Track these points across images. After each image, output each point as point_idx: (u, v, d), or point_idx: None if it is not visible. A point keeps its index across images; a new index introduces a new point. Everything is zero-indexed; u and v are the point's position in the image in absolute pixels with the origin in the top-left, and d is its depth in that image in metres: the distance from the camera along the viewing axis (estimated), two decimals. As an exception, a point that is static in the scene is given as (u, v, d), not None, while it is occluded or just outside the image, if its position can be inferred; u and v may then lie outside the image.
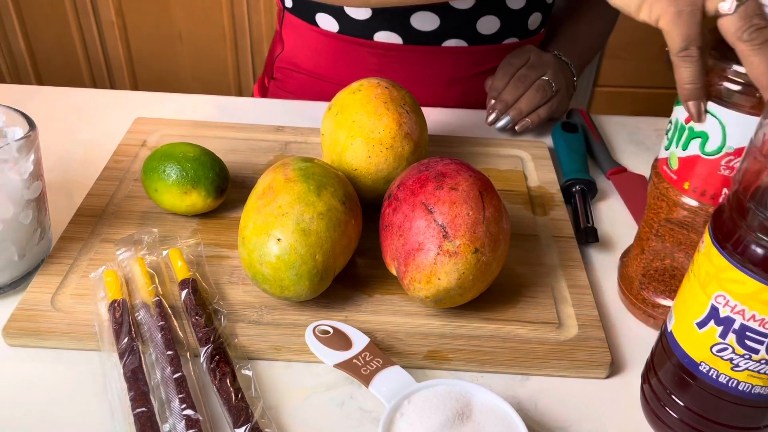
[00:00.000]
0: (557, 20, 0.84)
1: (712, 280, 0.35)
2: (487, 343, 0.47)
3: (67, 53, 1.82)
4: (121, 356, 0.43)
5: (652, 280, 0.49)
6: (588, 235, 0.56)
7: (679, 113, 0.43)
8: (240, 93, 1.90)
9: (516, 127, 0.68)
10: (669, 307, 0.48)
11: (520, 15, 0.75)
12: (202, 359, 0.43)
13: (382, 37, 0.74)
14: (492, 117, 0.69)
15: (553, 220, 0.58)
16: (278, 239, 0.45)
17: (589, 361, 0.46)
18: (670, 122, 0.45)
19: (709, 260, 0.35)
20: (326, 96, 0.77)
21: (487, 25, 0.74)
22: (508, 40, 0.76)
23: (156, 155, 0.54)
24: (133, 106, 0.72)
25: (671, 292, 0.48)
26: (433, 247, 0.44)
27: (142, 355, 0.43)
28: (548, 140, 0.70)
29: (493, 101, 0.70)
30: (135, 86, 1.89)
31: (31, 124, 0.47)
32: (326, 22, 0.75)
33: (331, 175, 0.49)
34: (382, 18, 0.72)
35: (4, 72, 1.87)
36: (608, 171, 0.65)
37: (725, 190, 0.42)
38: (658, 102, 1.87)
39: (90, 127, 0.69)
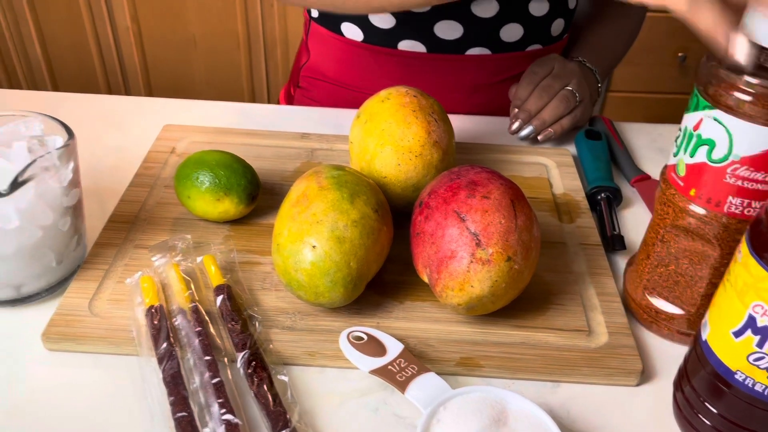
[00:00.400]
0: (581, 26, 0.85)
1: (750, 289, 0.36)
2: (518, 350, 0.47)
3: (82, 58, 1.84)
4: (159, 361, 0.44)
5: (657, 285, 0.49)
6: (615, 242, 0.57)
7: (688, 120, 0.43)
8: (253, 98, 1.91)
9: (539, 137, 0.69)
10: (673, 313, 0.48)
11: (543, 21, 0.75)
12: (239, 364, 0.44)
13: (406, 45, 0.74)
14: (515, 126, 0.69)
15: (579, 228, 0.58)
16: (313, 246, 0.46)
17: (620, 368, 0.46)
18: (680, 129, 0.45)
19: (746, 270, 0.36)
20: (351, 104, 0.78)
21: (511, 32, 0.74)
22: (531, 47, 0.77)
23: (189, 162, 0.55)
24: (159, 113, 0.73)
25: (675, 299, 0.48)
26: (466, 255, 0.45)
27: (180, 360, 0.44)
28: (572, 148, 0.71)
29: (516, 110, 0.70)
30: (149, 91, 1.90)
31: (70, 133, 0.48)
32: (351, 32, 0.76)
33: (363, 183, 0.50)
34: (406, 27, 0.73)
35: (20, 77, 1.89)
36: (632, 178, 0.66)
37: (730, 197, 0.42)
38: (671, 107, 1.87)
39: (118, 133, 0.70)
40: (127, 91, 1.91)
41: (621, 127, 0.76)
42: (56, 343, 0.46)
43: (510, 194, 0.47)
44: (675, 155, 0.45)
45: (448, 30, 0.73)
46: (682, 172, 0.44)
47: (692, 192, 0.44)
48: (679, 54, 1.76)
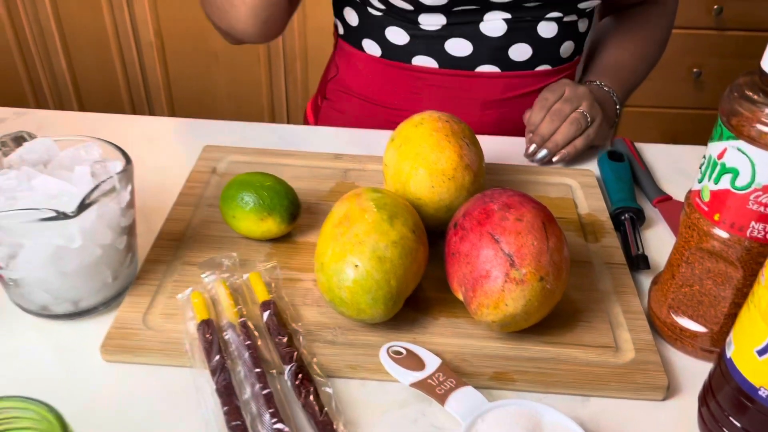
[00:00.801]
0: (601, 47, 0.87)
1: (773, 311, 0.38)
2: (549, 366, 0.49)
3: (106, 74, 1.88)
4: (213, 373, 0.47)
5: (681, 304, 0.51)
6: (640, 262, 0.59)
7: (712, 149, 0.46)
8: (273, 113, 1.95)
9: (553, 159, 0.72)
10: (696, 331, 0.50)
11: (551, 43, 0.79)
12: (286, 377, 0.47)
13: (420, 61, 0.79)
14: (530, 150, 0.73)
15: (604, 247, 0.61)
16: (356, 266, 0.48)
17: (646, 383, 0.48)
18: (704, 157, 0.47)
19: (770, 293, 0.38)
20: (373, 115, 0.84)
21: (519, 52, 0.78)
22: (540, 68, 0.80)
23: (234, 184, 0.58)
24: (196, 134, 0.77)
25: (698, 317, 0.51)
26: (500, 274, 0.48)
27: (231, 372, 0.47)
28: (595, 168, 0.73)
29: (530, 135, 0.74)
30: (171, 106, 1.94)
31: (127, 157, 0.52)
32: (371, 48, 0.81)
33: (400, 205, 0.53)
34: (419, 44, 0.78)
35: (47, 92, 1.94)
36: (654, 199, 0.68)
37: (753, 222, 0.44)
38: (684, 123, 1.89)
39: (160, 154, 0.74)
40: (150, 106, 1.95)
41: (642, 148, 0.78)
42: (113, 355, 0.49)
43: (541, 216, 0.50)
44: (700, 181, 0.48)
45: (458, 47, 0.77)
46: (706, 197, 0.47)
47: (716, 217, 0.46)
48: (694, 70, 1.78)
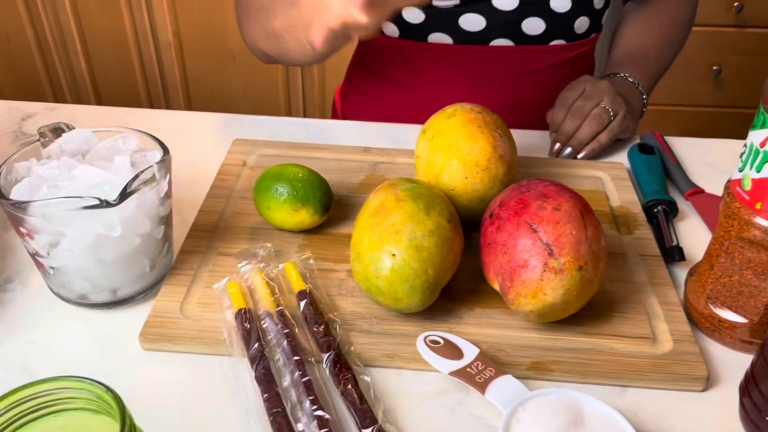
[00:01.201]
0: (623, 34, 0.87)
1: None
2: (586, 356, 0.49)
3: (125, 72, 1.89)
4: (251, 361, 0.47)
5: (720, 295, 0.51)
6: (675, 253, 0.59)
7: (754, 137, 0.46)
8: (289, 111, 1.95)
9: (578, 156, 0.72)
10: (735, 322, 0.50)
11: (565, 18, 0.78)
12: (324, 365, 0.47)
13: (435, 38, 0.80)
14: (555, 148, 0.73)
15: (638, 240, 0.60)
16: (393, 254, 0.49)
17: (686, 374, 0.48)
18: (745, 145, 0.47)
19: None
20: (393, 96, 0.86)
21: (533, 26, 0.78)
22: (554, 42, 0.80)
23: (268, 176, 0.58)
24: (225, 128, 0.77)
25: (738, 308, 0.50)
26: (539, 264, 0.47)
27: (270, 360, 0.47)
28: (625, 161, 0.73)
29: (554, 134, 0.74)
30: (189, 105, 1.96)
31: (164, 148, 0.52)
32: (389, 29, 0.82)
33: (435, 195, 0.53)
34: (434, 21, 0.79)
35: (65, 90, 1.95)
36: (686, 192, 0.68)
37: None
38: (704, 121, 1.87)
39: (190, 148, 0.74)
40: (168, 104, 1.97)
41: (672, 141, 0.78)
42: (152, 343, 0.50)
43: (579, 206, 0.50)
44: (740, 170, 0.47)
45: (472, 22, 0.78)
46: (747, 186, 0.46)
47: (758, 206, 0.46)
48: (714, 67, 1.76)
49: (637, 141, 0.75)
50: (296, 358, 0.47)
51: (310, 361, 0.48)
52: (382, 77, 0.87)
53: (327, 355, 0.47)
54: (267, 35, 0.68)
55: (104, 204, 0.46)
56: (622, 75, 0.80)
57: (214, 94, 1.93)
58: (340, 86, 0.98)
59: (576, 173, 0.70)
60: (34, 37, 1.85)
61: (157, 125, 0.78)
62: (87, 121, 0.78)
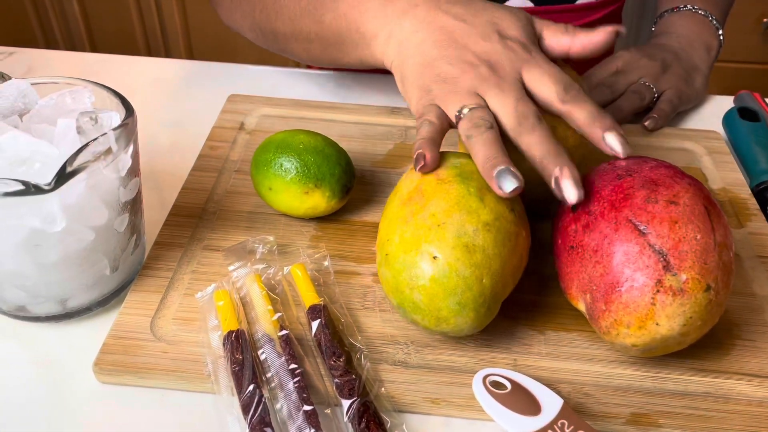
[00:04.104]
0: None
1: None
2: (704, 404, 0.36)
3: (121, 18, 1.74)
4: (244, 409, 0.34)
5: None
6: (807, 257, 0.45)
7: None
8: (297, 63, 1.80)
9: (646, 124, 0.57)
10: None
11: None
12: (346, 417, 0.34)
13: None
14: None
15: (753, 235, 0.46)
16: (434, 257, 0.35)
17: None
18: None
19: None
20: None
21: None
22: (581, 0, 0.65)
23: (270, 146, 0.44)
24: (220, 81, 0.63)
25: None
26: (649, 281, 0.34)
27: (270, 405, 0.34)
28: (719, 128, 0.58)
29: None
30: (190, 53, 1.81)
31: (128, 108, 0.38)
32: None
33: (497, 176, 0.38)
34: None
35: (59, 37, 1.80)
36: (804, 171, 0.53)
37: None
38: (749, 79, 1.71)
39: (174, 105, 0.60)
40: (168, 53, 1.82)
41: (772, 104, 0.62)
42: (111, 375, 0.37)
43: (702, 198, 0.35)
44: None
45: None
46: None
47: None
48: (765, 20, 1.60)
49: (737, 105, 0.60)
50: (306, 408, 0.33)
51: (325, 413, 0.34)
52: None
53: (349, 402, 0.34)
54: (264, 32, 0.54)
55: (34, 189, 0.32)
56: (689, 7, 0.64)
57: (218, 43, 1.78)
58: None
59: (660, 144, 0.55)
60: (22, -23, 1.69)
61: (136, 76, 0.64)
62: (51, 69, 0.64)
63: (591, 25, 0.68)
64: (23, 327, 0.40)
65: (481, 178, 0.37)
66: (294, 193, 0.43)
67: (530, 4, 0.65)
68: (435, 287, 0.35)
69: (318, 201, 0.44)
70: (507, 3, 0.65)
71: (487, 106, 0.39)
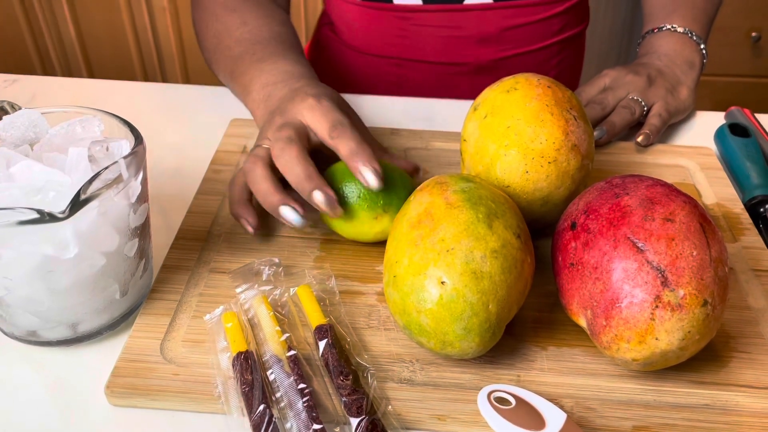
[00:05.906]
0: None
1: None
2: (704, 416, 0.37)
3: (117, 41, 1.76)
4: (255, 429, 0.34)
5: None
6: (800, 270, 0.46)
7: None
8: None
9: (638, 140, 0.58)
10: None
11: None
12: (355, 435, 0.35)
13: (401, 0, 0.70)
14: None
15: (746, 249, 0.47)
16: (442, 282, 0.36)
17: (842, 443, 0.36)
18: None
19: None
20: (359, 65, 0.76)
21: None
22: None
23: (336, 174, 0.45)
24: (221, 105, 0.64)
25: None
26: (648, 297, 0.35)
27: (280, 426, 0.35)
28: (711, 144, 0.59)
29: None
30: (186, 76, 1.82)
31: (137, 135, 0.39)
32: None
33: (500, 199, 0.39)
34: None
35: (55, 63, 1.82)
36: (795, 185, 0.54)
37: None
38: (740, 92, 1.73)
39: (178, 129, 0.61)
40: (163, 75, 1.83)
41: (765, 120, 0.64)
42: (123, 398, 0.37)
43: (697, 215, 0.37)
44: None
45: None
46: None
47: None
48: (753, 34, 1.62)
49: (727, 121, 0.62)
50: (316, 427, 0.34)
51: (331, 422, 0.35)
52: (347, 45, 0.76)
53: (357, 420, 0.35)
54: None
55: (48, 218, 0.33)
56: (669, 27, 0.66)
57: (215, 66, 1.79)
58: (306, 45, 0.87)
59: (655, 161, 0.56)
60: (19, 3, 1.70)
61: (140, 102, 0.65)
62: (56, 97, 0.65)
63: (553, 18, 0.71)
64: (35, 352, 0.40)
65: (488, 203, 0.38)
66: (364, 219, 0.44)
67: (489, 1, 0.68)
68: (442, 311, 0.36)
69: (386, 225, 0.45)
70: (466, 2, 0.68)
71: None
